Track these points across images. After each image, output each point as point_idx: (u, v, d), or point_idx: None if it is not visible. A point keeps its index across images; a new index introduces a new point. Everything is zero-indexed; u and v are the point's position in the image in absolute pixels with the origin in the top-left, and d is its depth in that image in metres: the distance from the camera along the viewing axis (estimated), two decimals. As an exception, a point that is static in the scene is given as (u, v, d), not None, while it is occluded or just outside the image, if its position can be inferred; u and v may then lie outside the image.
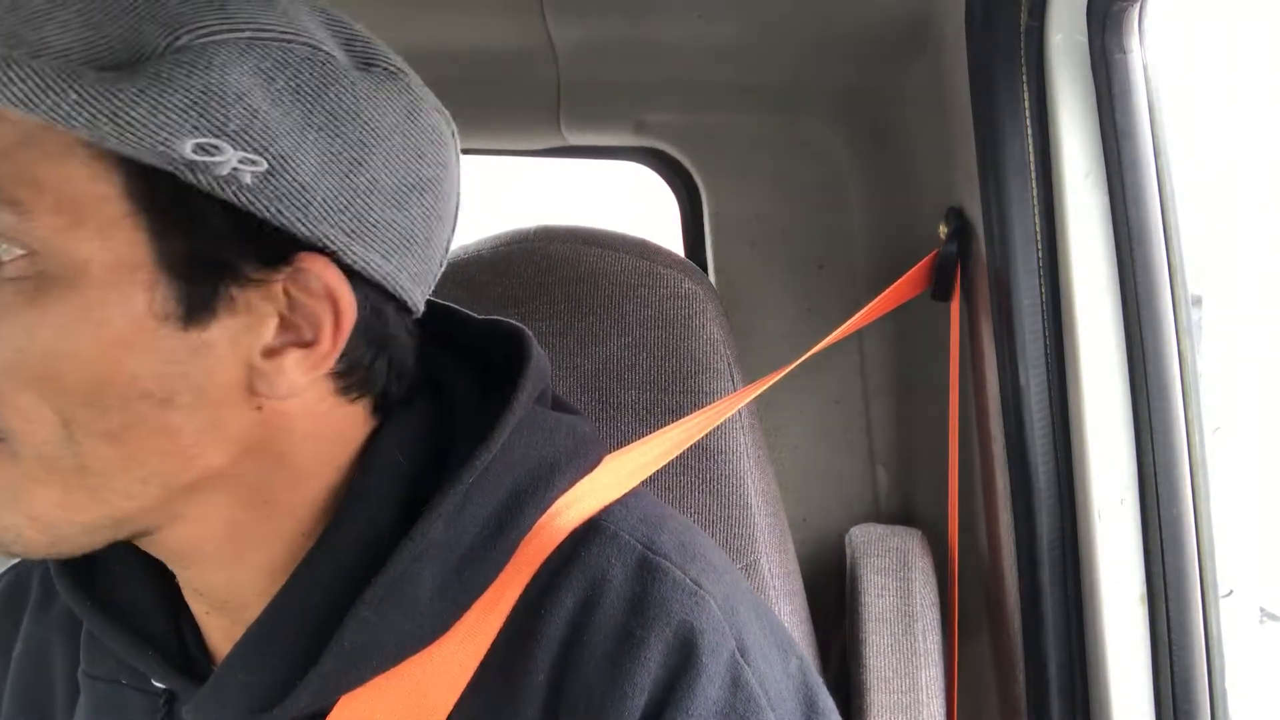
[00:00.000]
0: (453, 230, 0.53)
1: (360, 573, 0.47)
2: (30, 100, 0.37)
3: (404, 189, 0.47)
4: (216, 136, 0.40)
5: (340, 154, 0.44)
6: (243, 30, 0.42)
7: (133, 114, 0.38)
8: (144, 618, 0.52)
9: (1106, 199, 0.72)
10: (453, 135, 0.51)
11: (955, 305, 0.86)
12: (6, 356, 0.41)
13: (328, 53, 0.44)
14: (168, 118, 0.39)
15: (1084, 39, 0.70)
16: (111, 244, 0.41)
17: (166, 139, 0.39)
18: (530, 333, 0.56)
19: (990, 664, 0.88)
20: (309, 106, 0.43)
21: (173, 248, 0.42)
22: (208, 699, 0.49)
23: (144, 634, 0.52)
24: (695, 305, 0.80)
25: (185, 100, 0.39)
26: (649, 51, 0.95)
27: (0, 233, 0.40)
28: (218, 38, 0.41)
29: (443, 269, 0.54)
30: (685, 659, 0.47)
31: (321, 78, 0.43)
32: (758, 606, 0.54)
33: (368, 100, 0.45)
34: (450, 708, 0.48)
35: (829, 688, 0.54)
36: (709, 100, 1.04)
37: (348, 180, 0.44)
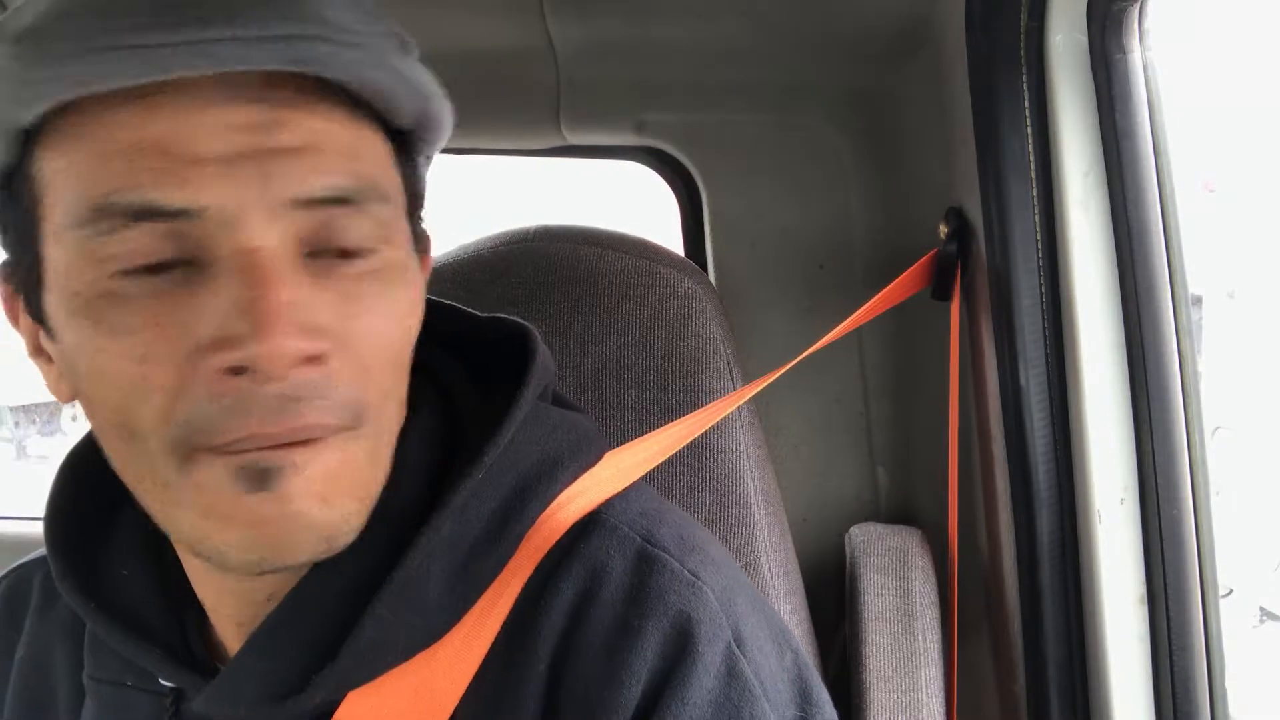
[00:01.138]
0: None
1: (375, 567, 0.48)
2: (390, 74, 0.45)
3: None
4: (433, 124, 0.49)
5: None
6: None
7: (422, 83, 0.47)
8: (148, 619, 0.52)
9: (1106, 199, 0.72)
10: None
11: (955, 305, 0.86)
12: (379, 343, 0.45)
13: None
14: (426, 87, 0.47)
15: (1084, 39, 0.70)
16: (405, 231, 0.48)
17: (422, 104, 0.48)
18: (535, 330, 0.56)
19: (990, 664, 0.88)
20: None
21: (413, 229, 0.50)
22: (221, 689, 0.49)
23: (148, 634, 0.52)
24: (695, 305, 0.80)
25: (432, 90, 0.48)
26: (649, 51, 0.95)
27: (372, 227, 0.44)
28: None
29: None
30: (681, 649, 0.48)
31: None
32: (755, 599, 0.55)
33: None
34: (457, 701, 0.49)
35: (829, 687, 0.54)
36: (709, 100, 1.04)
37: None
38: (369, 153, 0.45)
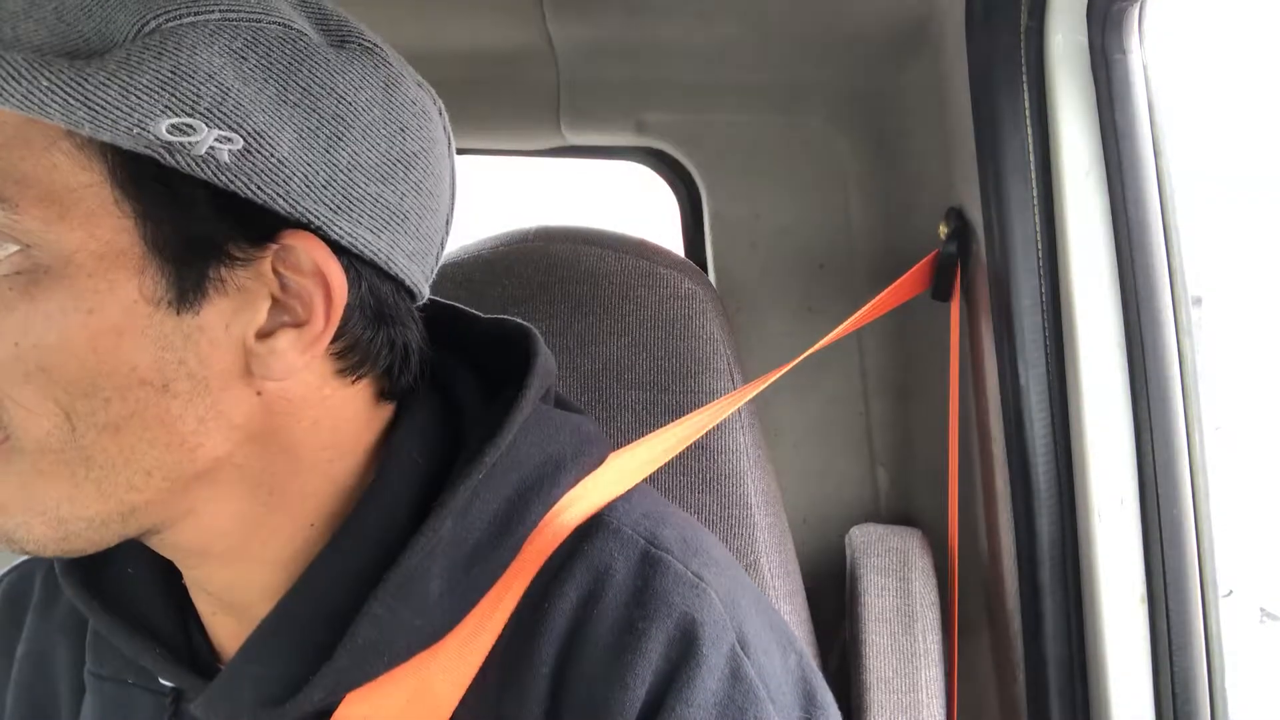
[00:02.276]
0: (450, 209, 0.54)
1: (372, 569, 0.47)
2: (2, 90, 0.38)
3: (388, 163, 0.47)
4: (190, 115, 0.40)
5: (318, 129, 0.44)
6: (211, 12, 0.42)
7: (104, 96, 0.39)
8: (151, 617, 0.52)
9: (1106, 199, 0.72)
10: (440, 112, 0.52)
11: (955, 305, 0.86)
12: (5, 351, 0.41)
13: (299, 30, 0.45)
14: (139, 99, 0.39)
15: (1084, 39, 0.70)
16: (99, 232, 0.42)
17: (140, 120, 0.39)
18: (536, 331, 0.56)
19: (990, 664, 0.88)
20: (282, 83, 0.43)
21: (159, 232, 0.42)
22: (219, 693, 0.49)
23: (151, 632, 0.52)
24: (695, 305, 0.80)
25: (155, 81, 0.40)
26: (649, 51, 0.95)
27: (14, 221, 0.40)
28: (186, 21, 0.42)
29: (444, 250, 0.54)
30: (686, 650, 0.48)
31: (293, 55, 0.44)
32: (759, 601, 0.55)
33: (342, 75, 0.45)
34: (456, 703, 0.49)
35: (829, 688, 0.54)
36: (709, 100, 1.04)
37: (328, 155, 0.44)
38: (16, 153, 0.41)
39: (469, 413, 0.53)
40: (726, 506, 0.79)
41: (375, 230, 0.47)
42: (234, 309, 0.44)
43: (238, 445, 0.46)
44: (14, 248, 0.41)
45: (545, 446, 0.53)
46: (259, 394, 0.46)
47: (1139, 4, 0.67)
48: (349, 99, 0.45)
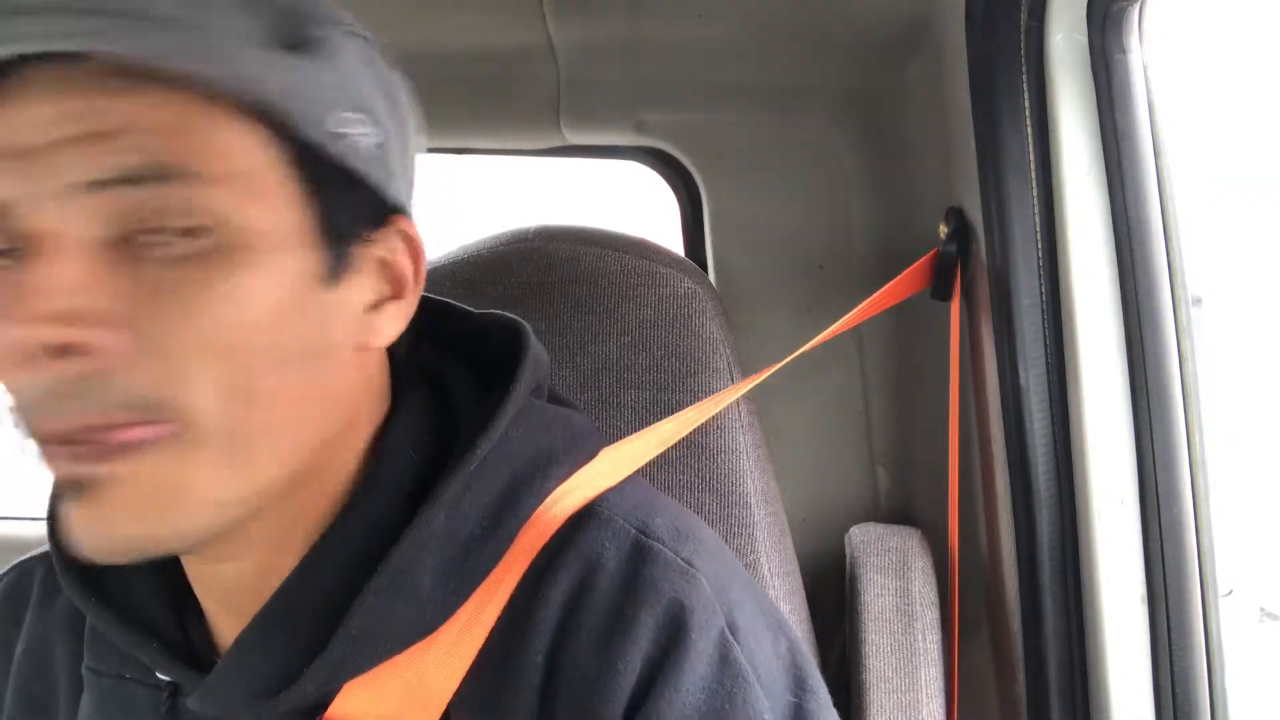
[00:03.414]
0: None
1: (366, 561, 0.48)
2: (241, 76, 0.42)
3: (417, 159, 0.53)
4: (355, 110, 0.46)
5: (402, 128, 0.50)
6: (347, 25, 0.48)
7: (309, 90, 0.44)
8: (148, 613, 0.53)
9: (1106, 199, 0.72)
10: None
11: (955, 305, 0.86)
12: (189, 332, 0.42)
13: (375, 46, 0.50)
14: (329, 94, 0.45)
15: (1084, 39, 0.70)
16: (278, 212, 0.44)
17: (324, 110, 0.44)
18: (528, 326, 0.57)
19: (990, 664, 0.88)
20: (385, 89, 0.49)
21: (319, 213, 0.46)
22: (215, 685, 0.49)
23: (148, 628, 0.52)
24: (695, 305, 0.80)
25: (336, 79, 0.45)
26: (649, 51, 0.95)
27: (179, 208, 0.42)
28: (338, 30, 0.47)
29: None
30: (675, 635, 0.48)
31: (384, 66, 0.50)
32: (750, 587, 0.55)
33: (399, 85, 0.51)
34: (450, 694, 0.49)
35: (829, 688, 0.54)
36: (709, 100, 1.04)
37: (406, 150, 0.51)
38: (196, 130, 0.42)
39: (461, 407, 0.54)
40: (726, 506, 0.79)
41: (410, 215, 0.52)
42: (358, 285, 0.48)
43: (339, 423, 0.49)
44: (186, 227, 0.42)
45: (537, 440, 0.54)
46: (358, 368, 0.49)
47: (1139, 4, 0.67)
48: (407, 104, 0.51)
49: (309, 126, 0.44)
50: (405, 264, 0.50)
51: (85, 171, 0.41)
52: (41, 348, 0.40)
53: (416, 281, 0.51)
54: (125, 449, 0.41)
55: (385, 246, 0.49)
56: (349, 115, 0.45)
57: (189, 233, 0.42)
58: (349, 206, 0.47)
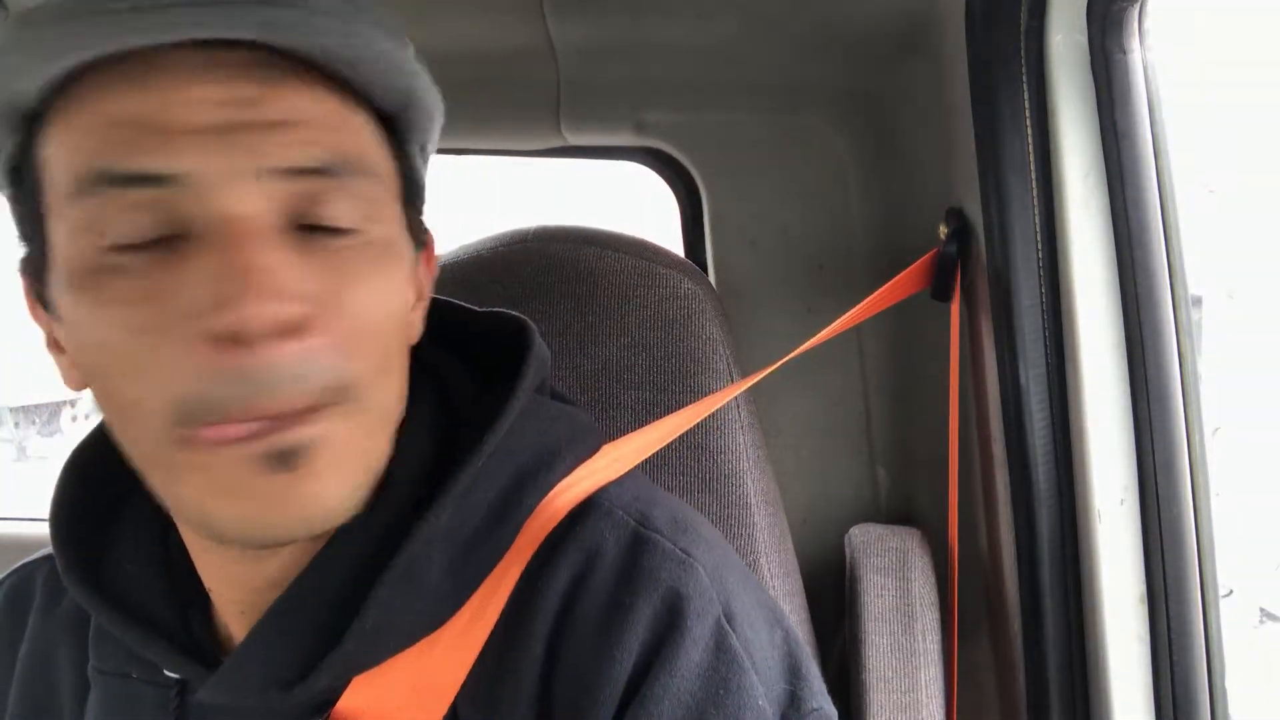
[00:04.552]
0: None
1: (376, 555, 0.48)
2: (380, 66, 0.45)
3: None
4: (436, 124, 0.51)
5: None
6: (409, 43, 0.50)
7: (425, 97, 0.49)
8: (152, 610, 0.53)
9: (1106, 199, 0.72)
10: None
11: (955, 305, 0.86)
12: (365, 318, 0.45)
13: None
14: (435, 109, 0.50)
15: (1084, 39, 0.70)
16: (396, 213, 0.49)
17: (430, 126, 0.51)
18: (531, 323, 0.58)
19: (990, 664, 0.88)
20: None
21: (409, 220, 0.51)
22: (226, 679, 0.49)
23: (153, 626, 0.52)
24: (695, 305, 0.80)
25: (435, 98, 0.50)
26: (649, 51, 0.95)
27: (355, 201, 0.45)
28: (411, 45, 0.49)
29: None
30: (671, 623, 0.49)
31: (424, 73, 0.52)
32: (748, 578, 0.56)
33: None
34: (458, 685, 0.50)
35: (829, 688, 0.54)
36: (709, 100, 1.04)
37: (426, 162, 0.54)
38: (352, 129, 0.45)
39: (466, 404, 0.55)
40: (726, 506, 0.79)
41: None
42: (410, 283, 0.51)
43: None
44: (358, 218, 0.45)
45: (541, 436, 0.54)
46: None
47: (1139, 4, 0.67)
48: None
49: (418, 138, 0.50)
50: (425, 270, 0.54)
51: (282, 157, 0.42)
52: (277, 326, 0.41)
53: (429, 285, 0.55)
54: (324, 416, 0.43)
55: (423, 254, 0.53)
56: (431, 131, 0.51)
57: (359, 225, 0.45)
58: (418, 217, 0.52)
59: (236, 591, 0.52)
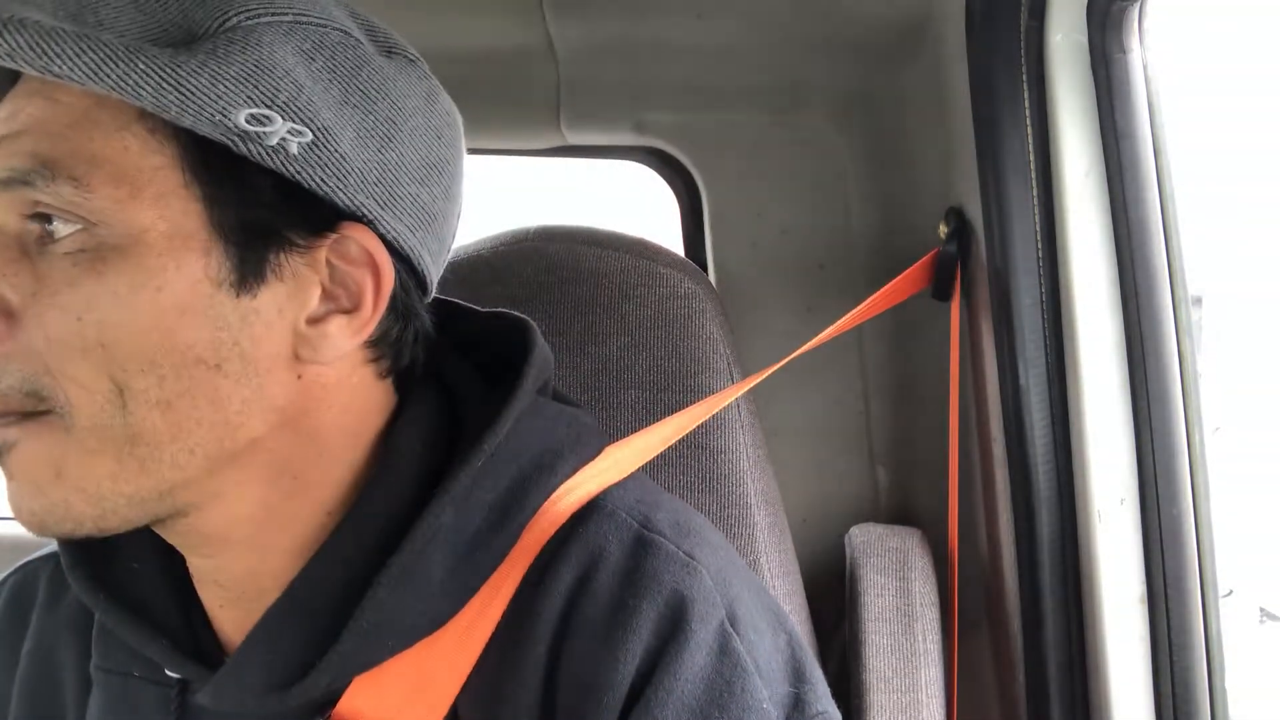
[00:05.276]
0: (458, 217, 0.56)
1: (376, 555, 0.48)
2: (99, 72, 0.40)
3: (426, 167, 0.50)
4: (268, 107, 0.43)
5: (373, 130, 0.47)
6: (285, 14, 0.45)
7: (195, 84, 0.41)
8: (156, 610, 0.53)
9: (1106, 199, 0.72)
10: (459, 123, 0.55)
11: (955, 305, 0.86)
12: (66, 327, 0.43)
13: (356, 38, 0.48)
14: (226, 88, 0.42)
15: (1084, 39, 0.70)
16: (168, 213, 0.44)
17: (224, 108, 0.42)
18: (534, 324, 0.57)
19: (990, 664, 0.88)
20: (345, 84, 0.46)
21: (225, 216, 0.45)
22: (226, 681, 0.49)
23: (156, 625, 0.52)
24: (695, 305, 0.80)
25: (241, 72, 0.42)
26: (649, 51, 0.95)
27: (61, 207, 0.42)
28: (264, 19, 0.44)
29: (449, 256, 0.56)
30: (675, 626, 0.49)
31: (354, 59, 0.47)
32: (751, 581, 0.55)
33: (393, 82, 0.49)
34: (459, 687, 0.49)
35: (829, 688, 0.54)
36: (709, 100, 1.04)
37: (380, 155, 0.47)
38: (86, 134, 0.43)
39: (468, 404, 0.54)
40: (726, 506, 0.79)
41: (411, 228, 0.50)
42: (288, 294, 0.46)
43: (273, 429, 0.47)
44: (76, 226, 0.43)
45: (544, 437, 0.54)
46: (299, 378, 0.48)
47: (1139, 4, 0.67)
48: (399, 104, 0.49)
49: (200, 125, 0.42)
50: (362, 276, 0.48)
51: None
52: None
53: (378, 297, 0.48)
54: (20, 423, 0.44)
55: (338, 255, 0.47)
56: (263, 112, 0.43)
57: (75, 231, 0.43)
58: (272, 211, 0.45)
59: (221, 592, 0.52)
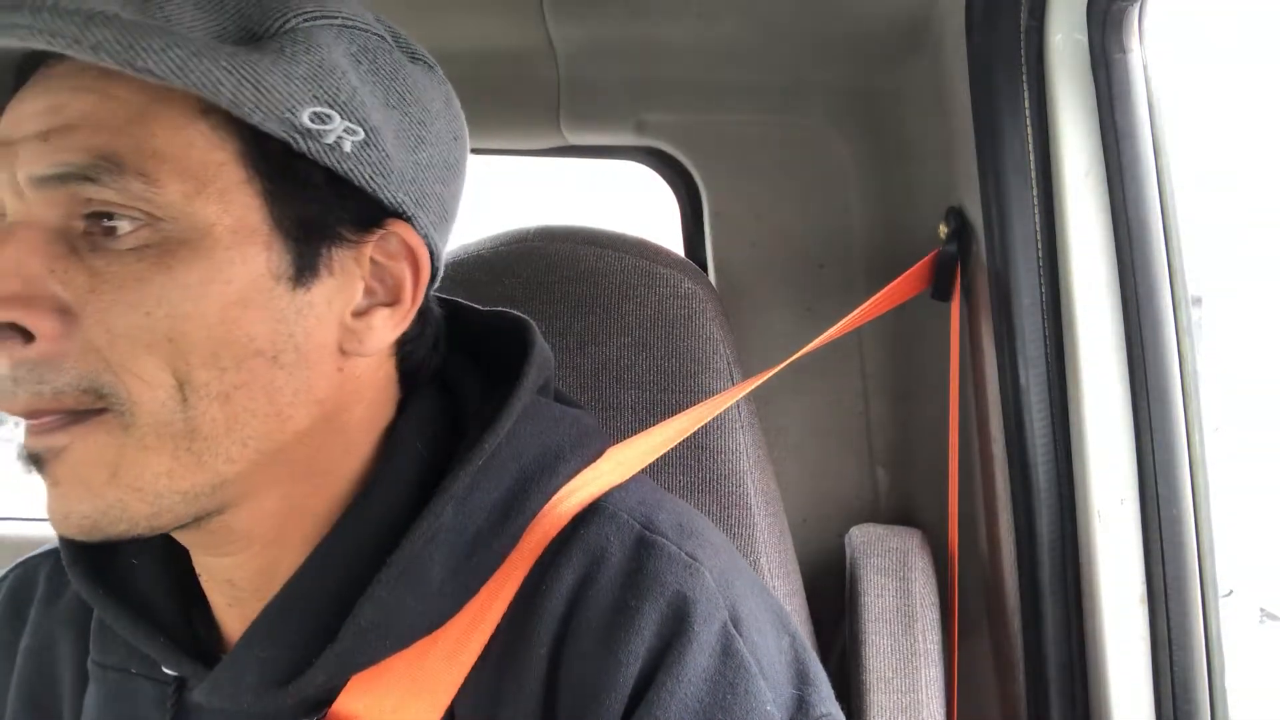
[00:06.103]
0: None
1: (376, 553, 0.48)
2: (184, 68, 0.40)
3: (446, 167, 0.52)
4: (330, 106, 0.44)
5: (409, 131, 0.49)
6: (335, 17, 0.47)
7: (270, 82, 0.42)
8: (155, 607, 0.53)
9: (1106, 199, 0.72)
10: (466, 126, 0.57)
11: (955, 305, 0.86)
12: (134, 322, 0.43)
13: (390, 44, 0.49)
14: (296, 87, 0.43)
15: (1084, 39, 0.70)
16: (232, 208, 0.44)
17: (293, 106, 0.43)
18: (534, 324, 0.57)
19: (990, 664, 0.88)
20: (386, 87, 0.48)
21: (284, 211, 0.46)
22: (223, 678, 0.49)
23: (154, 622, 0.52)
24: (695, 305, 0.80)
25: (308, 71, 0.44)
26: (649, 51, 0.95)
27: (127, 203, 0.43)
28: (319, 22, 0.46)
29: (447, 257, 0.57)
30: (677, 627, 0.48)
31: (392, 63, 0.49)
32: (754, 582, 0.55)
33: (422, 87, 0.51)
34: (458, 688, 0.49)
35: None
36: (709, 100, 1.04)
37: (413, 155, 0.49)
38: (148, 129, 0.43)
39: (469, 403, 0.54)
40: (726, 507, 0.79)
41: (434, 225, 0.51)
42: (337, 288, 0.48)
43: (314, 421, 0.48)
44: (140, 222, 0.43)
45: (545, 438, 0.54)
46: (340, 370, 0.49)
47: (1139, 4, 0.67)
48: (428, 107, 0.50)
49: (269, 122, 0.43)
50: (402, 270, 0.50)
51: (37, 166, 0.43)
52: None
53: (416, 289, 0.50)
54: (70, 426, 0.43)
55: (381, 250, 0.49)
56: (325, 111, 0.44)
57: (138, 227, 0.43)
58: (325, 207, 0.46)
59: (225, 589, 0.52)
